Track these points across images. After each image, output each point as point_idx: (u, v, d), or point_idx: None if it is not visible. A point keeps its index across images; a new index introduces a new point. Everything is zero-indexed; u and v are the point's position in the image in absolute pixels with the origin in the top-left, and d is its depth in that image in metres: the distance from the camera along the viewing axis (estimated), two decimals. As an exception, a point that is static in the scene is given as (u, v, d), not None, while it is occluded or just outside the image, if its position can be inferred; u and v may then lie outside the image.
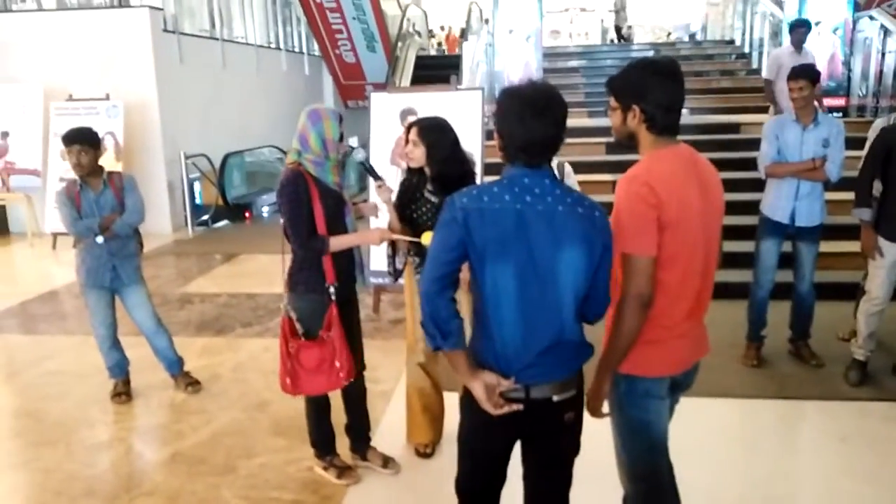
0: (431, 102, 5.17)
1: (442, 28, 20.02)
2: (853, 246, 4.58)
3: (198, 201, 9.30)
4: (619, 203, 1.98)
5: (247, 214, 10.21)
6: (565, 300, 1.86)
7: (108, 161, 7.98)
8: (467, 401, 1.99)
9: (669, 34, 25.54)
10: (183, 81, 9.29)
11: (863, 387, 3.97)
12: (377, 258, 5.24)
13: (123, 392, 4.10)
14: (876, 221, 3.85)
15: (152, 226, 8.77)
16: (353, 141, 15.35)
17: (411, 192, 3.07)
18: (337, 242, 2.82)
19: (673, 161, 2.01)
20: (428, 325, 1.89)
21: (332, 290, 2.85)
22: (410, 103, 5.33)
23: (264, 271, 7.08)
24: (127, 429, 3.81)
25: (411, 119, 3.40)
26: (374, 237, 2.95)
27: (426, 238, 2.74)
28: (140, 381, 4.30)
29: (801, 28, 6.65)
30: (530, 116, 1.79)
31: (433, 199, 3.00)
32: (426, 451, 3.39)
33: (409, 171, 3.13)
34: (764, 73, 5.95)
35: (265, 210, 11.00)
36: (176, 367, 4.25)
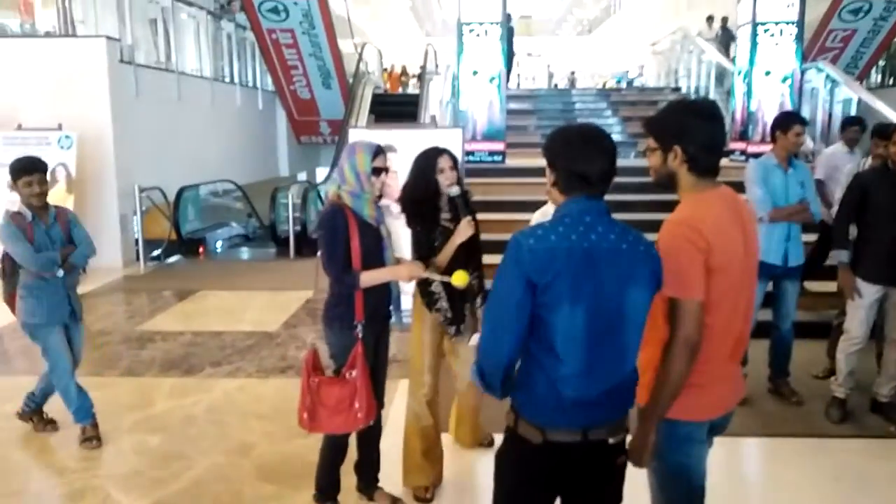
0: (410, 140, 5.16)
1: (385, 70, 20.16)
2: (824, 286, 4.75)
3: (136, 235, 8.91)
4: (666, 246, 1.97)
5: (200, 249, 9.92)
6: (630, 341, 1.85)
7: (59, 193, 7.67)
8: (507, 458, 1.93)
9: (605, 83, 26.44)
10: (138, 113, 9.05)
11: (844, 424, 4.06)
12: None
13: (93, 436, 3.85)
14: (853, 263, 3.98)
15: (102, 260, 8.37)
16: (302, 176, 15.33)
17: (432, 218, 3.10)
18: (367, 277, 2.77)
19: (719, 205, 2.02)
20: (491, 377, 1.86)
21: (359, 327, 2.79)
22: (388, 141, 5.30)
23: (227, 308, 6.86)
24: (101, 476, 3.55)
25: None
26: (404, 273, 2.87)
27: (457, 278, 2.75)
28: (108, 425, 4.05)
29: (854, 126, 5.65)
30: (587, 147, 1.85)
31: (449, 225, 3.05)
32: (427, 497, 3.27)
33: (419, 202, 3.13)
34: (817, 174, 5.30)
35: (219, 245, 10.73)
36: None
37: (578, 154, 1.84)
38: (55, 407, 4.15)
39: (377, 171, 2.79)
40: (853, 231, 4.03)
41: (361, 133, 5.47)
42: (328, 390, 2.77)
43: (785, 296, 4.29)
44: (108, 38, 8.51)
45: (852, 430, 4.00)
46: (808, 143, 7.14)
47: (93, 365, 5.17)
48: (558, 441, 1.84)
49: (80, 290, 7.24)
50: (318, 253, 2.84)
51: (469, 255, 3.07)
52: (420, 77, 17.15)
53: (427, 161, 3.08)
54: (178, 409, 4.33)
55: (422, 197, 3.09)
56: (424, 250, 3.05)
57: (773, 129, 4.24)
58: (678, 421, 2.02)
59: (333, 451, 3.01)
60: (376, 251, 2.84)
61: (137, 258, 8.71)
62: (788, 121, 4.16)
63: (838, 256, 4.02)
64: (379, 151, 2.82)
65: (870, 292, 3.92)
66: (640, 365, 2.12)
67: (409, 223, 3.12)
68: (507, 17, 14.29)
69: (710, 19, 13.65)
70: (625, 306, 1.81)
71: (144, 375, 4.95)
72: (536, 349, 1.84)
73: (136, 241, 8.78)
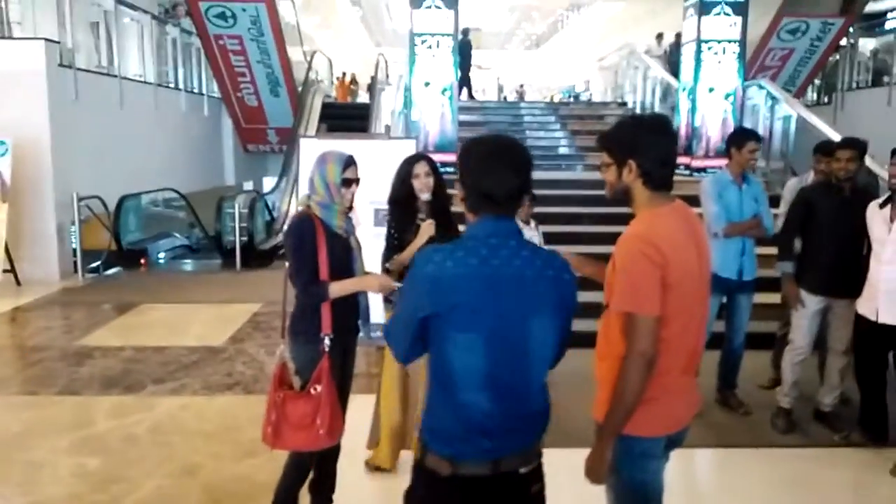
0: (363, 150, 5.09)
1: (338, 78, 20.01)
2: (768, 298, 4.86)
3: (74, 246, 8.59)
4: (623, 261, 1.97)
5: (142, 261, 9.61)
6: (535, 370, 1.78)
7: (-8, 201, 7.33)
8: (415, 495, 1.85)
9: (553, 97, 26.90)
10: (78, 119, 8.73)
11: (790, 434, 4.14)
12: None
13: None
14: (797, 274, 4.08)
15: (38, 272, 8.11)
16: (248, 185, 15.05)
17: (409, 219, 3.31)
18: (336, 288, 2.70)
19: (674, 220, 2.03)
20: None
21: (326, 340, 2.70)
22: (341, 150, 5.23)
23: (169, 322, 6.64)
24: (37, 502, 3.35)
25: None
26: (374, 284, 2.80)
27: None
28: (45, 447, 3.86)
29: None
30: (495, 164, 1.75)
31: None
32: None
33: (395, 203, 3.38)
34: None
35: (161, 256, 10.42)
36: None
37: (486, 171, 1.75)
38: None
39: (347, 183, 2.75)
40: (797, 244, 4.14)
41: (314, 143, 5.38)
42: (293, 405, 2.67)
43: (738, 310, 4.37)
44: (47, 40, 8.19)
45: (798, 440, 4.08)
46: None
47: (27, 383, 4.94)
48: (468, 474, 1.75)
49: (14, 302, 7.04)
50: (286, 264, 2.79)
51: None
52: (370, 87, 17.09)
53: (405, 166, 3.35)
54: (119, 429, 4.14)
55: (399, 199, 3.37)
56: (395, 250, 3.25)
57: (728, 145, 4.34)
58: (635, 437, 2.02)
59: (297, 470, 2.91)
60: (345, 262, 2.79)
61: (75, 270, 8.37)
62: (743, 137, 4.26)
63: (783, 268, 4.13)
64: (350, 163, 2.77)
65: (813, 303, 4.03)
66: (597, 379, 2.12)
67: (388, 222, 3.40)
68: (465, 31, 14.50)
69: (659, 37, 13.96)
70: (529, 335, 1.74)
71: (83, 394, 4.73)
72: (440, 377, 1.77)
73: (74, 251, 8.44)
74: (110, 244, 9.03)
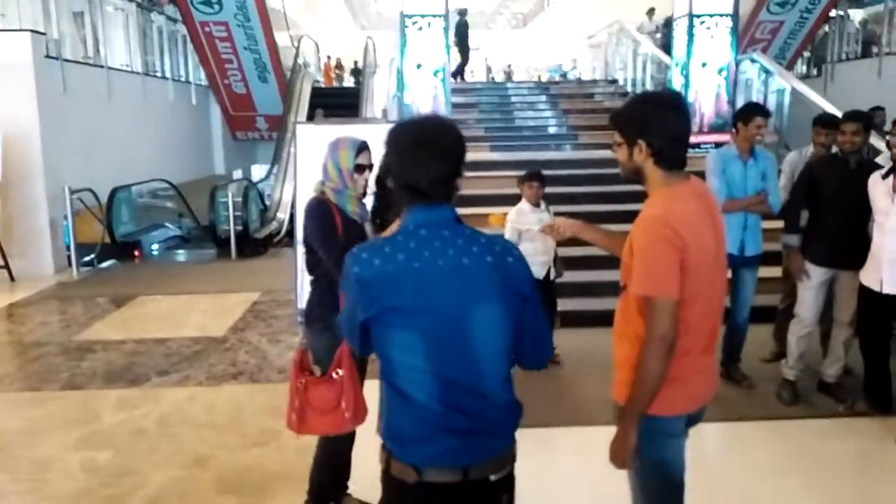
0: (360, 134, 5.05)
1: (325, 63, 19.83)
2: (770, 272, 4.88)
3: (67, 240, 8.43)
4: (641, 245, 1.95)
5: (136, 253, 9.54)
6: (485, 364, 1.67)
7: (-17, 197, 7.24)
8: (388, 492, 1.76)
9: (540, 76, 26.77)
10: (66, 111, 8.63)
11: (796, 405, 4.17)
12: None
13: None
14: (802, 247, 4.10)
15: (33, 267, 8.04)
16: (238, 173, 14.95)
17: (392, 199, 3.21)
18: None
19: (690, 200, 2.01)
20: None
21: None
22: (336, 136, 5.19)
23: (169, 314, 6.61)
24: (50, 498, 3.34)
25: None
26: None
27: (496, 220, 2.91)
28: (52, 443, 3.84)
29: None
30: (417, 153, 1.64)
31: None
32: None
33: (381, 182, 3.25)
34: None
35: (155, 248, 10.35)
36: None
37: (408, 161, 1.64)
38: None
39: (360, 168, 2.73)
40: (803, 217, 4.16)
41: (310, 129, 5.34)
42: (316, 391, 2.66)
43: (742, 285, 4.38)
44: (34, 31, 8.06)
45: (803, 412, 4.12)
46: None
47: (29, 379, 4.91)
48: (435, 481, 1.66)
49: (10, 298, 6.99)
50: (303, 251, 2.77)
51: None
52: (355, 71, 16.99)
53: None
54: (127, 423, 4.13)
55: (384, 178, 3.26)
56: (378, 229, 3.12)
57: (735, 120, 4.32)
58: (656, 416, 2.01)
59: (331, 458, 2.91)
60: None
61: (70, 264, 8.29)
62: (750, 112, 4.23)
63: (789, 241, 4.15)
64: (363, 148, 2.75)
65: (818, 275, 4.05)
66: (615, 359, 2.12)
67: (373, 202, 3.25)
68: (462, 12, 14.48)
69: (650, 12, 13.81)
70: (473, 327, 1.63)
71: (87, 388, 4.70)
72: (389, 379, 1.68)
73: (68, 245, 8.35)
74: (103, 237, 8.95)
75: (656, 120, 1.98)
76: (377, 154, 2.08)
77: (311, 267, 2.83)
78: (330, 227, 2.70)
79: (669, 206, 1.97)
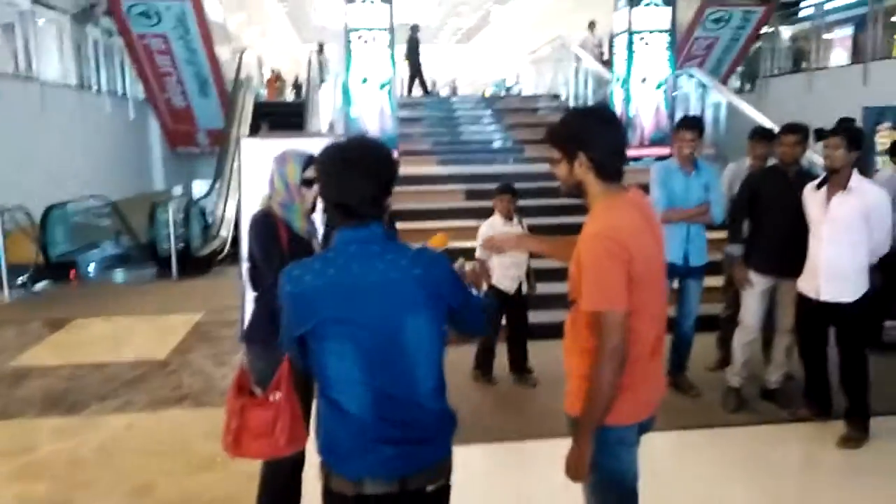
0: (307, 148, 4.99)
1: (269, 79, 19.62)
2: (713, 281, 4.99)
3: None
4: (587, 261, 1.97)
5: (72, 273, 9.19)
6: (418, 373, 1.73)
7: None
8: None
9: (484, 91, 27.03)
10: (-4, 126, 8.29)
11: (740, 412, 4.26)
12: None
13: None
14: (745, 256, 4.21)
15: (-40, 290, 7.65)
16: (178, 189, 14.62)
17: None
18: None
19: (630, 211, 2.04)
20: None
21: None
22: (283, 149, 5.11)
23: (108, 337, 6.37)
24: (-21, 537, 3.18)
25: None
26: None
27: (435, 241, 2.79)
28: (-17, 476, 3.65)
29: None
30: (346, 174, 1.70)
31: None
32: None
33: None
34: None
35: (92, 268, 10.00)
36: None
37: (336, 183, 1.71)
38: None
39: (308, 183, 2.66)
40: (745, 228, 4.27)
41: (255, 143, 5.24)
42: (253, 412, 2.52)
43: (687, 294, 4.46)
44: (-43, 44, 7.75)
45: (748, 418, 4.20)
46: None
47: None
48: (374, 493, 1.71)
49: (-63, 324, 6.59)
50: (246, 266, 2.71)
51: None
52: (297, 85, 16.87)
53: None
54: (65, 452, 3.94)
55: None
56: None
57: (672, 133, 4.43)
58: (609, 426, 2.03)
59: (273, 480, 2.81)
60: None
61: (1, 286, 7.93)
62: (677, 125, 4.37)
63: (733, 251, 4.27)
64: (311, 162, 2.67)
65: (761, 283, 4.17)
66: (565, 371, 2.13)
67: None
68: (414, 28, 14.65)
69: (591, 25, 13.94)
70: (403, 336, 1.69)
71: (22, 416, 4.48)
72: (324, 391, 1.74)
73: (-1, 266, 8.01)
74: (37, 257, 8.60)
75: (595, 133, 2.01)
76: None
77: (255, 282, 2.76)
78: (272, 242, 2.64)
79: (612, 219, 1.99)
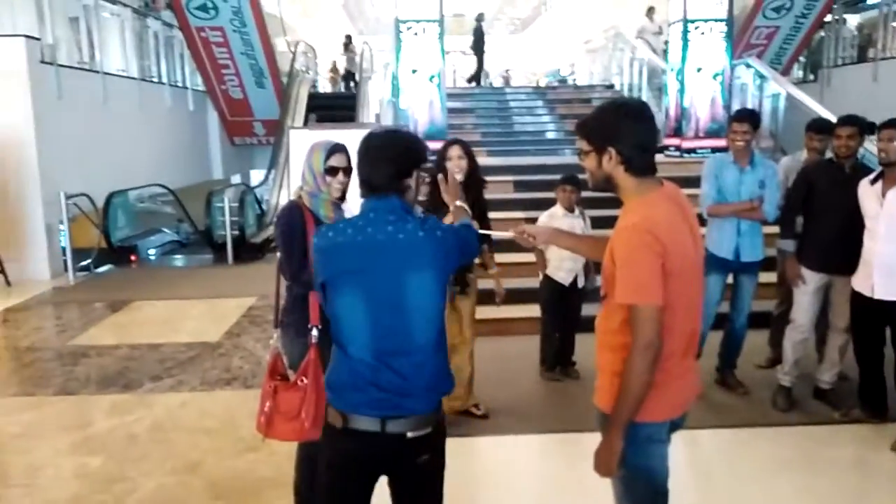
0: (354, 139, 5.05)
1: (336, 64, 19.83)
2: (765, 277, 4.87)
3: (64, 245, 8.48)
4: (622, 254, 1.95)
5: (132, 257, 9.52)
6: (417, 325, 1.95)
7: (-22, 202, 7.23)
8: (323, 445, 2.08)
9: (538, 81, 26.75)
10: (62, 116, 8.62)
11: (791, 412, 4.17)
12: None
13: None
14: (798, 252, 4.10)
15: (29, 272, 8.04)
16: (236, 178, 14.93)
17: (442, 202, 3.35)
18: None
19: (666, 205, 2.01)
20: None
21: (314, 331, 2.65)
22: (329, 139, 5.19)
23: (163, 319, 6.60)
24: (40, 503, 3.34)
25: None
26: None
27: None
28: (45, 448, 3.83)
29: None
30: (373, 156, 2.00)
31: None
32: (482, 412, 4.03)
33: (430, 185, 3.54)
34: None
35: (152, 252, 10.33)
36: None
37: (363, 164, 2.01)
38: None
39: (333, 171, 2.71)
40: (799, 222, 4.16)
41: (304, 134, 5.34)
42: (284, 396, 2.64)
43: (740, 290, 4.36)
44: (28, 37, 8.06)
45: (799, 418, 4.11)
46: None
47: (24, 384, 4.90)
48: (358, 428, 1.94)
49: (5, 303, 6.97)
50: (279, 254, 2.79)
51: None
52: (346, 76, 17.06)
53: (441, 150, 3.82)
54: (119, 428, 4.11)
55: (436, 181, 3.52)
56: None
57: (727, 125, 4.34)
58: (639, 423, 2.01)
59: (309, 462, 2.81)
60: None
61: (66, 269, 8.27)
62: (731, 118, 4.25)
63: (785, 246, 4.17)
64: (335, 150, 2.73)
65: (814, 280, 4.05)
66: (596, 366, 2.12)
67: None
68: (479, 17, 14.87)
69: (650, 11, 13.56)
70: (405, 291, 1.93)
71: (80, 393, 4.69)
72: (335, 335, 2.01)
73: (64, 250, 8.35)
74: (100, 242, 8.94)
75: (626, 129, 2.00)
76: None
77: (283, 271, 2.82)
78: (290, 232, 2.72)
79: (647, 213, 1.97)
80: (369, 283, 1.93)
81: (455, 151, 3.80)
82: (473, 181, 3.82)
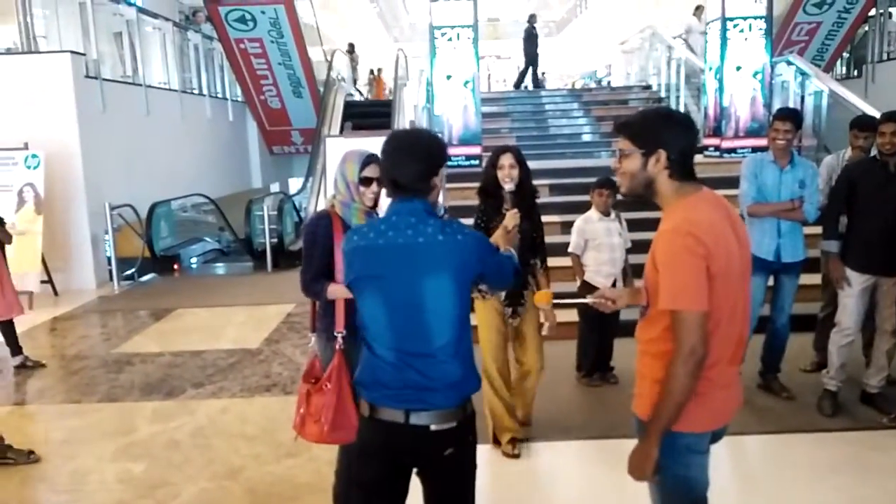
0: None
1: (372, 72, 19.96)
2: (810, 279, 4.75)
3: (109, 254, 8.70)
4: (664, 259, 1.92)
5: (175, 266, 9.73)
6: (435, 325, 1.99)
7: (28, 214, 7.51)
8: (357, 434, 2.15)
9: (574, 83, 26.57)
10: (106, 129, 8.84)
11: (837, 417, 4.05)
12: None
13: None
14: (842, 253, 3.99)
15: (75, 281, 8.27)
16: (275, 187, 15.13)
17: (495, 209, 3.48)
18: (332, 289, 2.73)
19: (708, 208, 1.97)
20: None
21: (339, 338, 2.70)
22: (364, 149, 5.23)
23: (205, 327, 6.71)
24: (84, 510, 3.42)
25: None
26: None
27: (539, 298, 3.09)
28: (90, 454, 3.93)
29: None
30: (400, 156, 2.04)
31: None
32: (514, 452, 3.69)
33: (483, 192, 3.67)
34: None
35: (194, 261, 10.54)
36: None
37: (393, 163, 2.04)
38: (34, 438, 4.03)
39: (367, 181, 2.73)
40: (843, 222, 4.05)
41: (339, 142, 5.39)
42: (314, 398, 2.73)
43: (781, 291, 4.27)
44: (73, 52, 8.31)
45: (845, 423, 4.00)
46: None
47: (70, 391, 5.02)
48: (383, 418, 2.02)
49: (53, 312, 7.17)
50: None
51: (528, 246, 3.57)
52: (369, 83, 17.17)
53: (491, 158, 3.64)
54: (162, 434, 4.19)
55: (486, 188, 3.62)
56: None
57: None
58: (679, 432, 1.96)
59: (346, 469, 2.86)
60: None
61: (111, 278, 8.50)
62: (772, 117, 4.16)
63: (828, 247, 4.05)
64: (369, 161, 2.74)
65: (859, 282, 3.94)
66: (637, 372, 2.08)
67: (476, 212, 3.68)
68: (531, 18, 15.08)
69: (698, 9, 13.23)
70: (423, 293, 1.97)
71: (124, 400, 4.80)
72: (363, 334, 2.08)
73: (109, 260, 8.59)
74: (143, 251, 9.15)
75: (674, 132, 1.99)
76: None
77: (301, 278, 2.87)
78: (311, 242, 2.78)
79: (688, 215, 1.93)
80: (389, 286, 1.98)
81: (507, 160, 3.55)
82: (525, 191, 3.56)
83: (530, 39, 15.21)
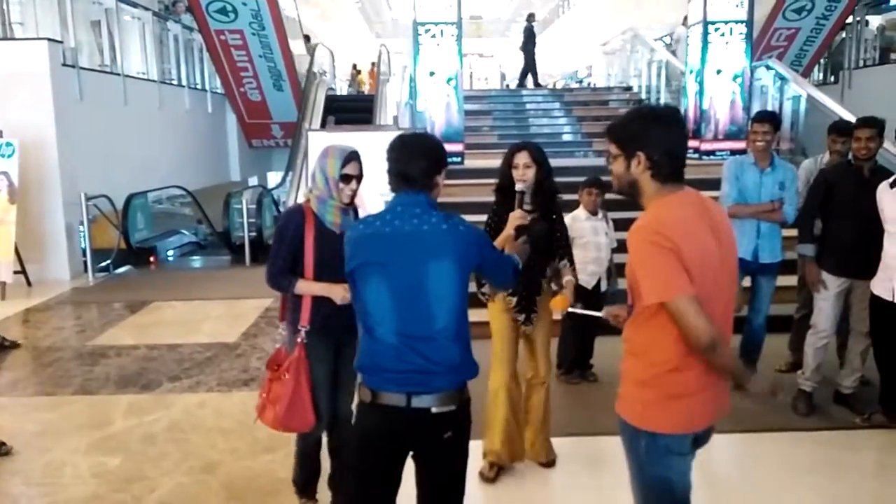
0: (371, 141, 5.05)
1: (355, 67, 19.83)
2: (786, 280, 4.82)
3: (84, 245, 8.56)
4: (635, 257, 1.94)
5: (151, 259, 9.60)
6: (437, 309, 2.07)
7: (1, 202, 7.34)
8: (355, 419, 2.22)
9: (555, 83, 26.72)
10: (82, 118, 8.71)
11: (811, 417, 4.11)
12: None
13: None
14: (818, 256, 4.04)
15: (49, 272, 8.13)
16: (253, 180, 15.01)
17: (510, 208, 3.09)
18: (302, 286, 2.78)
19: (680, 206, 1.98)
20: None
21: (302, 332, 2.78)
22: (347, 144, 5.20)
23: (182, 320, 6.64)
24: (59, 502, 3.35)
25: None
26: (338, 293, 2.73)
27: (555, 304, 3.08)
28: (64, 447, 3.87)
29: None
30: (406, 152, 2.18)
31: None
32: (490, 476, 3.47)
33: (499, 191, 3.38)
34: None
35: (170, 254, 10.42)
36: None
37: (402, 157, 2.16)
38: (6, 430, 3.96)
39: (346, 178, 2.71)
40: (818, 225, 4.10)
41: (321, 136, 5.35)
42: (273, 385, 2.84)
43: (758, 292, 4.34)
44: (50, 40, 8.16)
45: (819, 423, 4.06)
46: None
47: (43, 384, 4.95)
48: (385, 404, 2.08)
49: (26, 303, 7.05)
50: None
51: (543, 249, 3.32)
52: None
53: (507, 155, 3.36)
54: (137, 428, 4.14)
55: (501, 187, 3.37)
56: (492, 237, 3.00)
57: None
58: (660, 433, 1.99)
59: (302, 456, 3.12)
60: (333, 261, 2.54)
61: (86, 269, 8.36)
62: (751, 120, 4.23)
63: (804, 251, 4.10)
64: (351, 158, 2.73)
65: (835, 284, 4.00)
66: (621, 370, 2.10)
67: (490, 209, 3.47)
68: (529, 17, 15.10)
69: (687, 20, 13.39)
70: (426, 278, 2.06)
71: (99, 393, 4.73)
72: (363, 320, 2.15)
73: (84, 251, 8.45)
74: (119, 243, 9.02)
75: (656, 134, 1.98)
76: (379, 160, 2.23)
77: (267, 269, 2.91)
78: (280, 234, 2.80)
79: (657, 214, 1.96)
80: (395, 271, 2.07)
81: (522, 158, 3.24)
82: (544, 192, 3.33)
83: (530, 38, 15.28)
